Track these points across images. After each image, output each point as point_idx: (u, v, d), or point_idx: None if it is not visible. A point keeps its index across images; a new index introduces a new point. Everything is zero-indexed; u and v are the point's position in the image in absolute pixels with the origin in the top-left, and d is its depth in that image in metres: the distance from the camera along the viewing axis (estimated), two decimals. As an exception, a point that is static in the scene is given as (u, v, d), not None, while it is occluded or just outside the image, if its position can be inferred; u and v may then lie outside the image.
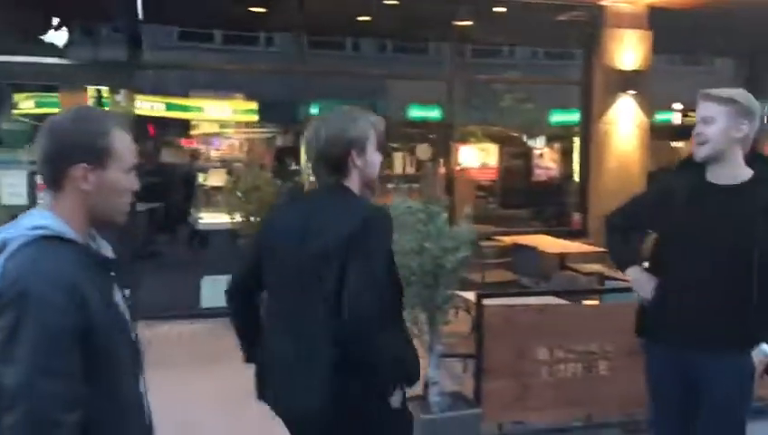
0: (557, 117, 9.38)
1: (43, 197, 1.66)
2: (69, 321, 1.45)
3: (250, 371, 2.38)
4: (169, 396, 5.06)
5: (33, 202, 6.79)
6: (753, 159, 2.68)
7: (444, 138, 8.36)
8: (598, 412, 4.53)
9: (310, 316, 2.15)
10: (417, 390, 4.04)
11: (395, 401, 2.20)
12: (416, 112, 9.09)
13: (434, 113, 8.74)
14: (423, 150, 8.37)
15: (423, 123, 9.10)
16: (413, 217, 3.93)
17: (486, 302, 4.24)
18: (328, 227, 2.13)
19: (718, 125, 2.55)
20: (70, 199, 1.59)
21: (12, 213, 6.86)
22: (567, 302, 4.72)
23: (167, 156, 9.25)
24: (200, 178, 7.83)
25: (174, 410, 4.87)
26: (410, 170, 8.45)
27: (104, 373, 1.52)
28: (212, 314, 7.30)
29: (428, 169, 8.52)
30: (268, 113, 8.09)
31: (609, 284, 5.46)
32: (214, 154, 7.62)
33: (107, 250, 1.70)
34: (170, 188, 9.13)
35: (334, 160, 2.22)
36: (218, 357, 6.01)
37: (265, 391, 2.33)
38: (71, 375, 1.46)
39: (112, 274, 1.67)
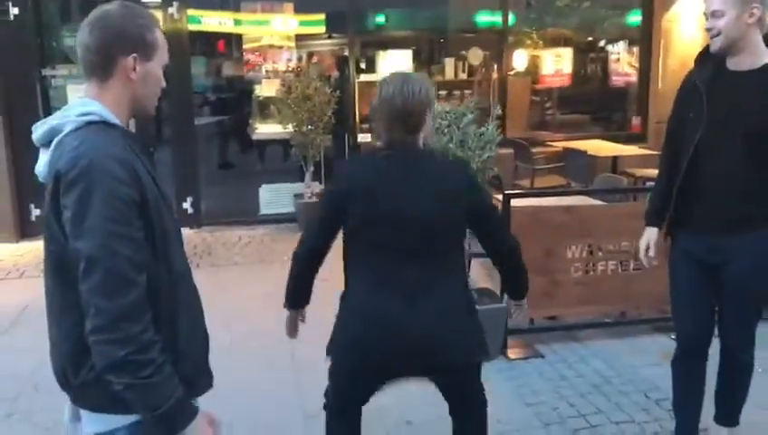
0: (617, 17, 8.99)
1: (85, 87, 1.72)
2: (131, 192, 1.56)
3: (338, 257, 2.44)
4: (227, 289, 5.55)
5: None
6: None
7: (498, 42, 8.21)
8: (629, 310, 4.62)
9: (450, 270, 2.34)
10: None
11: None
12: (475, 17, 8.88)
13: (489, 18, 8.53)
14: (474, 55, 8.24)
15: (480, 28, 8.89)
16: (441, 121, 4.01)
17: (516, 202, 4.33)
18: (446, 190, 2.29)
19: (728, 16, 2.54)
20: (117, 88, 1.68)
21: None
22: (600, 202, 4.74)
23: (229, 70, 9.46)
24: (257, 89, 7.99)
25: (229, 300, 5.32)
26: (462, 76, 8.34)
27: (157, 243, 1.65)
28: (269, 220, 7.69)
29: (480, 75, 8.42)
30: (334, 25, 8.10)
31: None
32: (280, 67, 7.74)
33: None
34: (232, 102, 9.40)
35: (418, 119, 2.30)
36: (272, 258, 6.41)
37: (372, 346, 2.30)
38: (139, 241, 1.58)
39: (152, 152, 1.79)
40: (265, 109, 7.79)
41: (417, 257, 2.27)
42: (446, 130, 3.98)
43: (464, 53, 8.41)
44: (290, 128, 7.13)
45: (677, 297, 2.97)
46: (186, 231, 7.36)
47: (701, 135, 2.69)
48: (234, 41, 8.38)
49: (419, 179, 2.28)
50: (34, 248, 6.65)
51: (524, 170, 7.47)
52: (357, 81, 7.87)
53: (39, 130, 1.69)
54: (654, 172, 6.35)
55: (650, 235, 3.00)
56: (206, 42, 9.09)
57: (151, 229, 1.63)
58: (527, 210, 4.32)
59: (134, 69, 1.67)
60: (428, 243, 2.28)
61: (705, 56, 2.79)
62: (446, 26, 9.42)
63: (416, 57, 8.42)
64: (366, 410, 2.58)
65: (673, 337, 4.22)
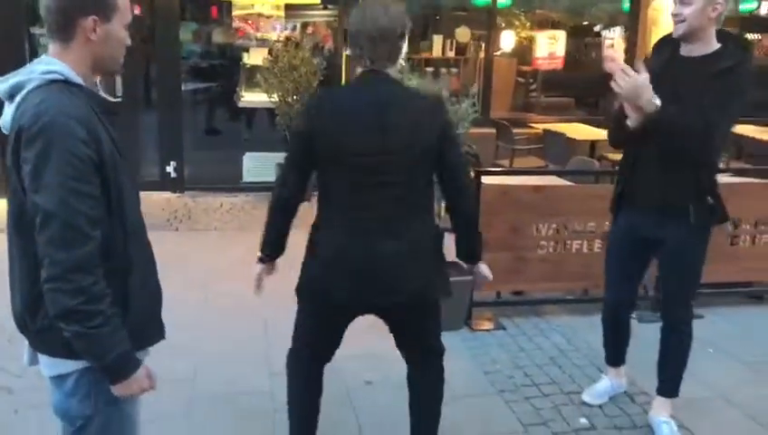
0: (606, 2, 9.08)
1: (50, 46, 1.78)
2: (89, 151, 1.65)
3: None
4: (205, 253, 5.66)
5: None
6: (724, 36, 2.86)
7: (487, 22, 8.29)
8: (591, 288, 4.78)
9: (416, 209, 2.38)
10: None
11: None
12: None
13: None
14: (462, 33, 8.32)
15: (471, 7, 8.95)
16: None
17: (487, 180, 4.46)
18: (418, 126, 2.29)
19: (695, 6, 2.73)
20: (78, 49, 1.75)
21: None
22: (570, 183, 4.87)
23: (218, 37, 9.46)
24: (245, 57, 8.04)
25: (207, 263, 5.43)
26: (450, 54, 8.43)
27: (113, 200, 1.74)
28: (251, 187, 7.78)
29: (468, 54, 8.50)
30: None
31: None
32: (271, 36, 7.78)
33: (107, 96, 1.90)
34: (220, 69, 9.42)
35: (394, 43, 2.27)
36: (251, 226, 6.52)
37: (335, 286, 2.37)
38: (95, 198, 1.67)
39: (113, 115, 1.87)
40: (252, 77, 7.84)
41: (383, 194, 2.30)
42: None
43: (455, 31, 8.49)
44: (275, 97, 7.20)
45: (611, 265, 3.31)
46: (167, 195, 7.46)
47: (648, 117, 2.78)
48: (224, 7, 8.39)
49: (390, 114, 2.26)
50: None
51: (505, 150, 7.59)
52: (345, 53, 7.93)
53: (3, 85, 1.76)
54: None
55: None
56: (196, 7, 9.11)
57: (107, 187, 1.72)
58: (496, 188, 4.44)
59: (94, 30, 1.74)
60: (395, 180, 2.29)
61: (662, 44, 2.98)
62: (440, 3, 9.47)
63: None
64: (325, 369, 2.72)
65: (634, 316, 4.42)
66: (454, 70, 8.37)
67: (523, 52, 8.73)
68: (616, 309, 3.40)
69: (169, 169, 7.52)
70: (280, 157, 7.62)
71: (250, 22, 7.86)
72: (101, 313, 1.67)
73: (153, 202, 7.21)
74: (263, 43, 7.78)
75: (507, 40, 8.46)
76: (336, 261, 2.38)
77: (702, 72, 2.77)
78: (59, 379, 1.84)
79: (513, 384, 3.70)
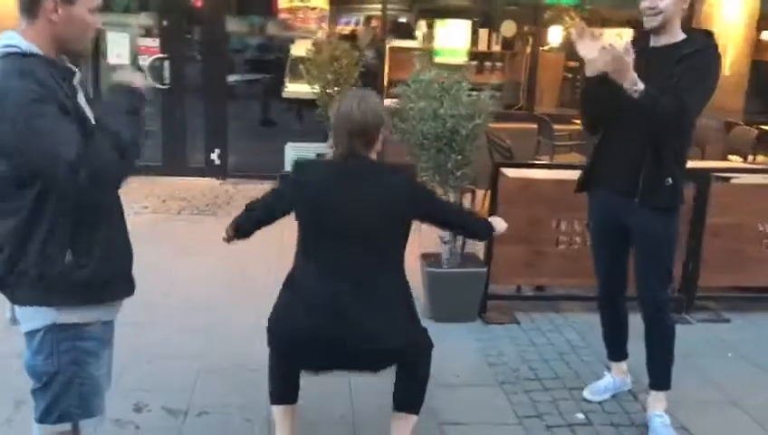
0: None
1: (19, 23, 1.91)
2: (48, 98, 1.77)
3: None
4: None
5: (134, 62, 7.48)
6: (690, 29, 3.05)
7: (533, 16, 8.20)
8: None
9: (390, 272, 2.60)
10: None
11: None
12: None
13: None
14: (508, 28, 8.23)
15: (522, 1, 8.85)
16: (431, 87, 4.12)
17: (509, 172, 4.44)
18: (388, 200, 2.54)
19: None
20: (41, 28, 1.88)
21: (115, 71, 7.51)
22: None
23: (266, 29, 9.63)
24: (292, 49, 8.19)
25: (239, 247, 5.56)
26: (495, 48, 8.36)
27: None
28: (292, 176, 7.90)
29: (514, 48, 8.42)
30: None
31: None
32: (316, 29, 7.92)
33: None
34: (267, 60, 9.61)
35: (371, 135, 2.53)
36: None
37: (305, 323, 2.53)
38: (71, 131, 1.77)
39: (75, 83, 1.98)
40: (297, 69, 7.97)
41: (357, 261, 2.50)
42: (438, 95, 4.09)
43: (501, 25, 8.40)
44: (317, 88, 7.30)
45: (595, 251, 3.37)
46: (210, 181, 7.68)
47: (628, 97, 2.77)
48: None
49: (365, 192, 2.51)
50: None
51: (546, 146, 7.50)
52: (388, 45, 7.98)
53: None
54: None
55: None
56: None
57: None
58: (516, 181, 4.42)
59: (55, 11, 1.85)
60: (369, 251, 2.51)
61: (636, 40, 3.05)
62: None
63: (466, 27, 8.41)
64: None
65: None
66: (498, 64, 8.31)
67: (572, 47, 8.57)
68: (609, 298, 3.38)
69: (213, 156, 7.73)
70: (321, 147, 7.77)
71: (299, 15, 8.00)
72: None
73: (196, 187, 7.45)
74: (309, 35, 7.90)
75: (555, 35, 8.34)
76: (316, 309, 2.52)
77: (669, 58, 2.84)
78: (29, 336, 1.96)
79: (516, 377, 3.68)
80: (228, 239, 2.84)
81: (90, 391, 2.03)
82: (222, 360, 3.68)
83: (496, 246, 4.37)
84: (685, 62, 2.79)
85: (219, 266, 4.86)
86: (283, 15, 8.02)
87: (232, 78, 8.10)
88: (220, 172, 7.75)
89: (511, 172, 4.62)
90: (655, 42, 2.95)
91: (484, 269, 4.35)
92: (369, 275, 2.52)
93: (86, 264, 1.89)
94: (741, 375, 3.80)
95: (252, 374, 3.45)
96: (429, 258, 4.43)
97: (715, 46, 2.90)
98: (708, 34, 2.96)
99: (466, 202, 4.88)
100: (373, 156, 2.60)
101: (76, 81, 1.98)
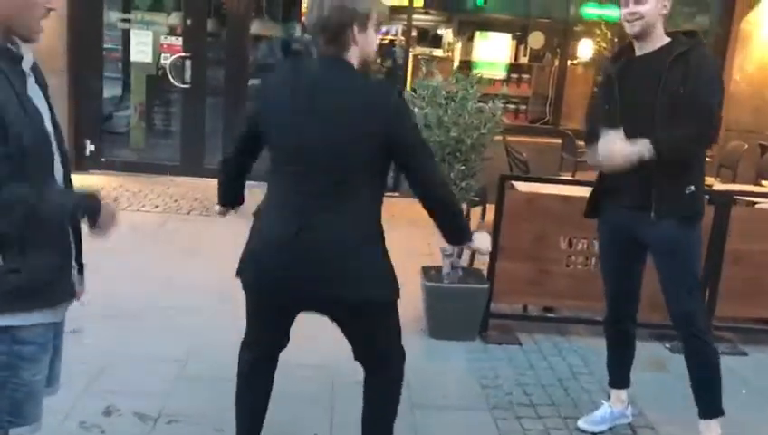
0: (693, 16, 8.54)
1: None
2: None
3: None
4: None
5: (157, 60, 7.47)
6: (672, 32, 2.90)
7: (562, 29, 7.98)
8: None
9: (357, 200, 2.24)
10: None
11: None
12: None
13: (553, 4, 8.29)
14: (536, 39, 8.04)
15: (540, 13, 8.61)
16: (438, 94, 3.97)
17: (521, 186, 4.26)
18: (363, 115, 2.18)
19: (650, 4, 2.77)
20: None
21: (138, 68, 7.56)
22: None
23: (288, 32, 9.51)
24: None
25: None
26: (523, 60, 8.18)
27: (12, 152, 1.72)
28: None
29: (542, 61, 8.22)
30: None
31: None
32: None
33: (30, 56, 1.88)
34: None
35: (335, 31, 2.19)
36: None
37: (261, 268, 2.32)
38: None
39: (24, 70, 1.86)
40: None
41: (321, 182, 2.20)
42: (442, 102, 3.93)
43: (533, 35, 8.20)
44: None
45: (605, 273, 3.22)
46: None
47: (620, 119, 2.81)
48: (297, 4, 8.47)
49: (334, 101, 2.19)
50: (81, 180, 7.02)
51: (569, 162, 7.27)
52: (412, 53, 7.86)
53: None
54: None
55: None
56: (270, 3, 9.21)
57: (2, 138, 1.70)
58: (521, 195, 4.23)
59: None
60: (335, 168, 2.20)
61: (617, 53, 3.05)
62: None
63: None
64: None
65: (668, 346, 4.10)
66: (525, 76, 8.11)
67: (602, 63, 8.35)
68: (616, 319, 3.21)
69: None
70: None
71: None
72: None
73: (211, 188, 7.33)
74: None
75: (585, 49, 8.11)
76: (266, 242, 2.30)
77: (659, 61, 2.79)
78: None
79: (509, 402, 3.48)
80: (222, 213, 2.69)
81: (23, 398, 1.90)
82: (203, 367, 3.55)
83: (500, 262, 4.18)
84: (680, 61, 2.74)
85: (218, 270, 4.72)
86: (304, 19, 7.92)
87: (253, 81, 8.02)
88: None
89: (522, 186, 4.44)
90: (640, 50, 2.87)
91: (486, 286, 4.16)
92: (326, 209, 2.20)
93: (17, 268, 1.77)
94: (751, 411, 3.54)
95: (230, 385, 3.30)
96: (430, 271, 4.26)
97: (703, 44, 2.92)
98: (693, 34, 2.90)
99: (475, 218, 4.69)
100: (350, 57, 2.23)
101: (26, 66, 1.86)
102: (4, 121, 1.70)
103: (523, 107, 8.43)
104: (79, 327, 3.87)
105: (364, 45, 2.26)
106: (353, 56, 2.25)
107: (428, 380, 3.62)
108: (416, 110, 4.02)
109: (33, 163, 1.78)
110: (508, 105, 7.79)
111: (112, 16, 7.63)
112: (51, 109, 1.96)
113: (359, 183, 2.25)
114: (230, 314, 4.05)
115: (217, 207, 2.70)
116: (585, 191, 4.36)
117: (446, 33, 8.25)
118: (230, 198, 2.65)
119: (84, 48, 7.32)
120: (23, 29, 1.83)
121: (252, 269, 2.34)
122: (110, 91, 8.11)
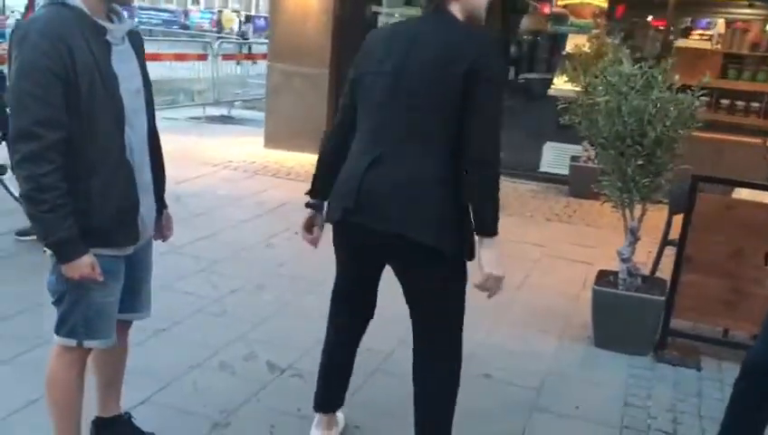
0: None
1: None
2: (50, 63, 1.96)
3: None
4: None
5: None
6: None
7: None
8: None
9: (430, 142, 2.19)
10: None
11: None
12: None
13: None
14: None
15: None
16: (623, 82, 3.63)
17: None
18: (450, 59, 2.14)
19: None
20: None
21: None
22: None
23: (541, 25, 9.23)
24: (567, 46, 7.81)
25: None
26: None
27: (83, 112, 2.01)
28: (544, 177, 7.61)
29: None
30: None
31: None
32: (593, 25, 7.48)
33: (124, 26, 2.17)
34: (541, 57, 9.27)
35: None
36: (514, 211, 6.41)
37: (336, 204, 2.33)
38: (50, 103, 1.94)
39: (109, 40, 2.09)
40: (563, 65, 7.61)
41: (397, 122, 2.22)
42: (624, 90, 3.58)
43: None
44: (578, 87, 6.86)
45: None
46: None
47: None
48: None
49: (425, 45, 2.19)
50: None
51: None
52: (675, 44, 7.19)
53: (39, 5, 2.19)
54: None
55: None
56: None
57: (77, 98, 1.99)
58: (718, 200, 3.69)
59: None
60: (414, 108, 2.18)
61: None
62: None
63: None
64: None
65: None
66: None
67: None
68: (755, 371, 2.54)
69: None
70: (576, 150, 7.27)
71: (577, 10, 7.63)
72: (46, 201, 1.97)
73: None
74: (582, 30, 7.48)
75: None
76: (341, 182, 2.34)
77: None
78: (50, 256, 2.19)
79: (647, 425, 3.08)
80: (310, 223, 2.57)
81: (94, 315, 2.19)
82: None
83: (686, 274, 3.70)
84: None
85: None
86: (557, 10, 7.70)
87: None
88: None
89: (744, 193, 3.87)
90: None
91: (662, 298, 3.71)
92: (398, 145, 2.19)
93: (85, 210, 2.05)
94: None
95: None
96: (606, 276, 3.93)
97: None
98: None
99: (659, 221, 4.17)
100: (454, 10, 2.24)
101: (110, 37, 2.10)
102: (74, 76, 1.98)
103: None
104: (261, 284, 4.35)
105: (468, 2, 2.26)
106: (456, 10, 2.26)
107: (566, 386, 3.37)
108: (597, 98, 3.74)
109: (92, 116, 2.03)
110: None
111: (375, 10, 8.15)
112: (143, 68, 2.26)
113: (434, 126, 2.20)
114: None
115: (307, 212, 2.56)
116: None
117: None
118: (323, 184, 2.48)
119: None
120: None
121: (331, 208, 2.39)
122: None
